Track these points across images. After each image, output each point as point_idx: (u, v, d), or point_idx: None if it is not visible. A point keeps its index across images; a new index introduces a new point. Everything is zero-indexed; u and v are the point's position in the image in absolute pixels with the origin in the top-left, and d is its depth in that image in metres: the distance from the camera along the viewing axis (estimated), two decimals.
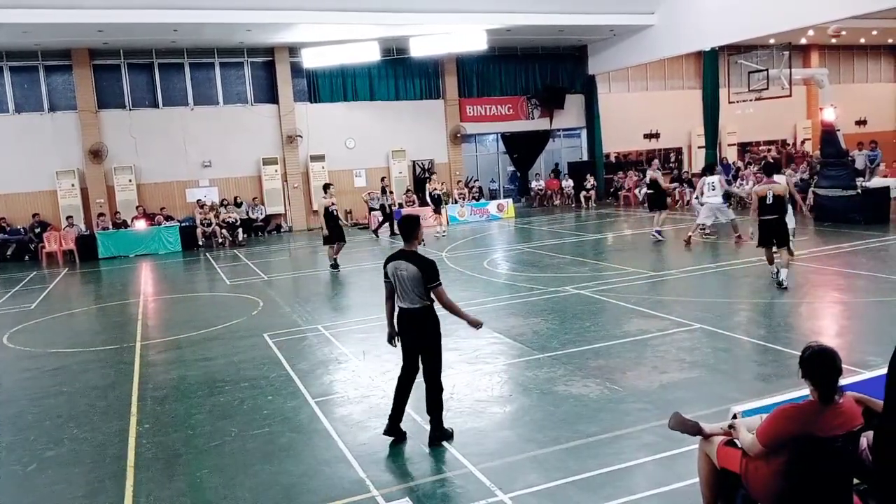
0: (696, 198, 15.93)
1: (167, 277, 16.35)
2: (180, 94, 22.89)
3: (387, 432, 5.65)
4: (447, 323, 9.49)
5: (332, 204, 14.60)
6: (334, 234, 14.58)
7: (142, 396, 7.32)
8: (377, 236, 20.91)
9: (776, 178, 11.18)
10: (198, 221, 20.97)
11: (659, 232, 15.62)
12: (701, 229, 15.37)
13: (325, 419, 6.28)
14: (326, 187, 15.08)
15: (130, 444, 6.02)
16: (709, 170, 15.80)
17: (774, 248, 10.30)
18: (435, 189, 21.70)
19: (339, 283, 13.51)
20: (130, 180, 21.84)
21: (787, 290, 9.97)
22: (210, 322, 10.60)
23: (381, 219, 21.62)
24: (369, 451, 5.53)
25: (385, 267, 5.62)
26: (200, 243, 20.56)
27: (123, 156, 21.92)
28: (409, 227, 5.63)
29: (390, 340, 5.81)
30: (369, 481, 5.01)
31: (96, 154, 21.39)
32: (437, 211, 20.77)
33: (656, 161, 18.11)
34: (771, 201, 9.97)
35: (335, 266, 14.62)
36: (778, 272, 10.19)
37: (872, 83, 33.75)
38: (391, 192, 22.55)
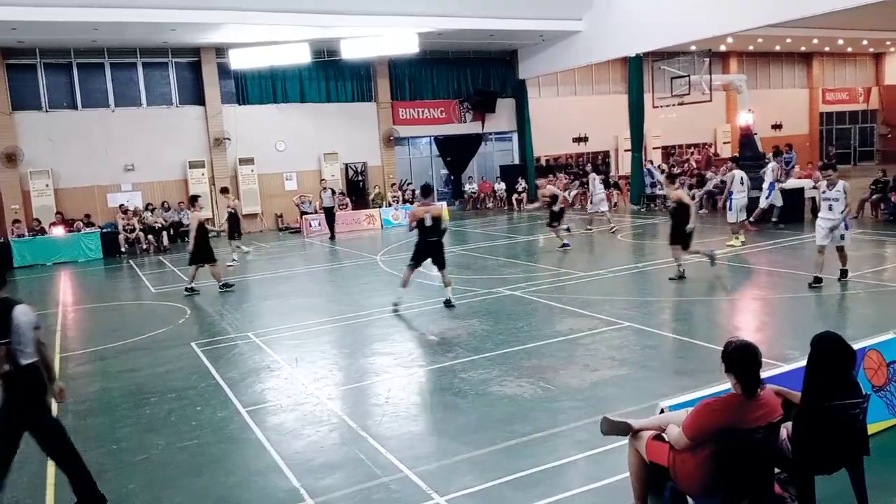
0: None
1: (88, 286, 15.71)
2: (101, 95, 22.04)
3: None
4: (382, 327, 9.50)
5: (207, 219, 13.28)
6: (203, 252, 12.84)
7: (62, 410, 6.98)
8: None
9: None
10: (120, 227, 20.23)
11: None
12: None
13: (257, 428, 6.15)
14: (194, 200, 13.34)
15: (50, 461, 5.74)
16: (596, 170, 16.03)
17: (436, 270, 10.39)
18: (230, 207, 17.29)
19: (270, 290, 13.23)
20: (48, 185, 20.92)
21: (454, 307, 10.08)
22: (134, 332, 10.22)
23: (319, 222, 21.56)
24: (303, 459, 5.44)
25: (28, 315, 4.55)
26: (123, 250, 19.84)
27: (40, 159, 20.95)
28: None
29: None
30: (304, 490, 4.93)
31: (10, 158, 20.38)
32: (232, 235, 17.08)
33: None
34: (430, 223, 10.11)
35: (192, 291, 12.79)
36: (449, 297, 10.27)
37: (787, 88, 35.46)
38: (335, 193, 22.11)
